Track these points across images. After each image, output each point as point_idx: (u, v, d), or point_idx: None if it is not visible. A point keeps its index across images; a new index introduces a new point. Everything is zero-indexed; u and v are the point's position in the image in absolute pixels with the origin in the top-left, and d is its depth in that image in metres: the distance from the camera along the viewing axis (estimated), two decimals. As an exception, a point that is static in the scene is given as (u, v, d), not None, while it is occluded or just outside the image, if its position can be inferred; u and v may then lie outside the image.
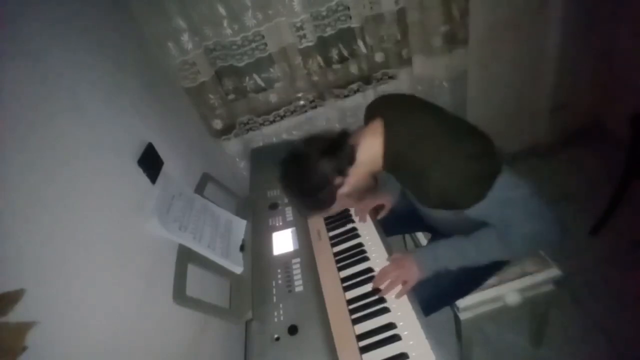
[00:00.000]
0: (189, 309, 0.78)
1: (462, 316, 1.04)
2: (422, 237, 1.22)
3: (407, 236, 1.41)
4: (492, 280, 1.02)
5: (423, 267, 0.88)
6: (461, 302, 1.01)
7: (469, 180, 0.74)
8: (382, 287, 0.88)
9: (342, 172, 0.84)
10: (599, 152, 1.81)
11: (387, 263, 0.93)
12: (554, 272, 1.01)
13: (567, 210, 1.60)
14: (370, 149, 0.86)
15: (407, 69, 1.49)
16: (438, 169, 0.75)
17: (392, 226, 1.16)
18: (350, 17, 1.33)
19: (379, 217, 1.10)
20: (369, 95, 1.50)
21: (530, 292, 1.02)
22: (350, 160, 0.84)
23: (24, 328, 0.45)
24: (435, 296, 0.93)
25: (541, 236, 0.77)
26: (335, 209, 0.92)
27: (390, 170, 0.89)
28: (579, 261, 1.41)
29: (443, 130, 0.80)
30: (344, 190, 0.86)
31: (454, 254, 0.87)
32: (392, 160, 0.85)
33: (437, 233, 1.08)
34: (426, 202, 0.86)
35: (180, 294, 0.77)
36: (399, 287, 0.87)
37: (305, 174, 0.84)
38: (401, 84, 1.53)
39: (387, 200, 1.13)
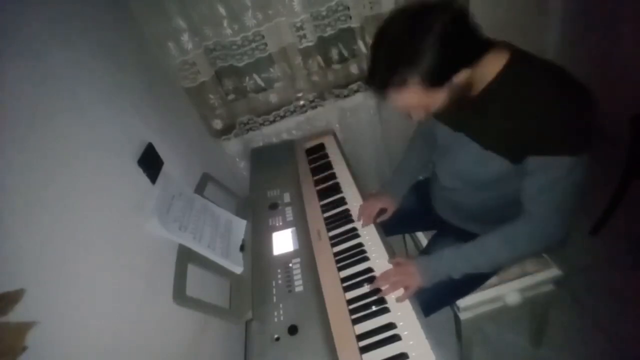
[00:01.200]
0: (189, 309, 0.78)
1: (462, 316, 1.04)
2: (422, 237, 1.22)
3: (407, 236, 1.41)
4: (492, 280, 1.02)
5: (426, 276, 0.87)
6: (461, 302, 1.01)
7: (587, 124, 0.70)
8: (382, 288, 0.88)
9: (453, 65, 0.68)
10: (599, 152, 1.80)
11: (387, 263, 0.93)
12: (554, 272, 1.01)
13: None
14: (486, 65, 0.73)
15: (407, 69, 1.49)
16: (557, 101, 0.69)
17: (393, 226, 1.16)
18: (351, 17, 1.33)
19: (379, 220, 1.10)
20: (369, 95, 1.50)
21: (531, 292, 1.03)
22: (472, 55, 0.69)
23: (24, 328, 0.45)
24: (435, 297, 0.93)
25: (549, 234, 0.78)
26: (399, 106, 0.76)
27: (485, 98, 0.77)
28: (578, 261, 1.41)
29: (568, 77, 0.72)
30: (432, 94, 0.71)
31: (459, 262, 0.86)
32: (507, 80, 0.74)
33: (444, 227, 1.07)
34: (514, 136, 0.75)
35: (180, 294, 0.77)
36: (400, 291, 0.86)
37: (418, 35, 0.65)
38: (401, 84, 1.53)
39: (390, 203, 1.13)
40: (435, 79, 0.68)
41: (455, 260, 0.87)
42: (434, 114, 0.80)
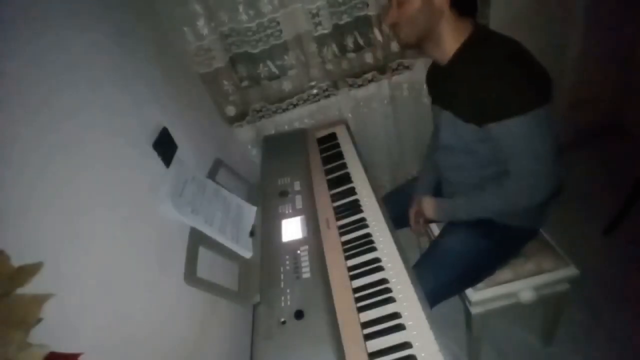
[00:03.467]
0: (199, 290, 0.80)
1: (474, 310, 1.04)
2: (434, 226, 1.22)
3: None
4: (506, 276, 1.01)
5: (438, 208, 1.05)
6: (473, 297, 1.02)
7: (531, 84, 0.79)
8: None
9: None
10: (615, 151, 1.76)
11: (394, 255, 0.94)
12: (571, 270, 1.00)
13: (581, 209, 1.57)
14: (454, 34, 0.88)
15: (424, 59, 1.46)
16: (502, 67, 0.80)
17: (403, 219, 1.16)
18: (367, 5, 1.31)
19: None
20: (383, 85, 1.49)
21: (545, 290, 1.02)
22: None
23: (40, 300, 0.46)
24: (442, 285, 0.94)
25: (540, 184, 0.85)
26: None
27: (452, 67, 0.90)
28: (591, 261, 1.39)
29: (516, 46, 0.85)
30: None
31: (466, 200, 0.99)
32: (467, 50, 0.87)
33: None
34: (473, 102, 0.85)
35: (191, 275, 0.79)
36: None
37: None
38: (417, 74, 1.51)
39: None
40: None
41: (463, 198, 0.99)
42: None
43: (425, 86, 1.52)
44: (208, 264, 0.87)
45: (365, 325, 0.81)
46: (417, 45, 0.93)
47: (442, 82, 0.98)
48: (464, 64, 0.87)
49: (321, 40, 1.33)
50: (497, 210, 0.94)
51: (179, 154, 0.93)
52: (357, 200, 1.11)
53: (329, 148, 1.34)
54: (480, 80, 0.82)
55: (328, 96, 1.51)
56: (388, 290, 0.86)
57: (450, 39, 0.88)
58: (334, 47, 1.37)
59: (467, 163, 0.97)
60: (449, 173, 1.07)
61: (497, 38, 0.87)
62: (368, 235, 1.01)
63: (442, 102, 0.98)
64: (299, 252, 0.94)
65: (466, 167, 0.99)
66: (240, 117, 1.45)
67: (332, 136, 1.39)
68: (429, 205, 1.08)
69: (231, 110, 1.42)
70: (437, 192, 1.15)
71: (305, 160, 1.25)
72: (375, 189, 1.13)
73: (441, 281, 0.93)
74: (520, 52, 0.83)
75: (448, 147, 1.00)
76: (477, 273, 1.01)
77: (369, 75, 1.47)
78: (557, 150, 0.82)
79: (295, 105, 1.50)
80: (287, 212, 1.07)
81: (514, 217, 0.97)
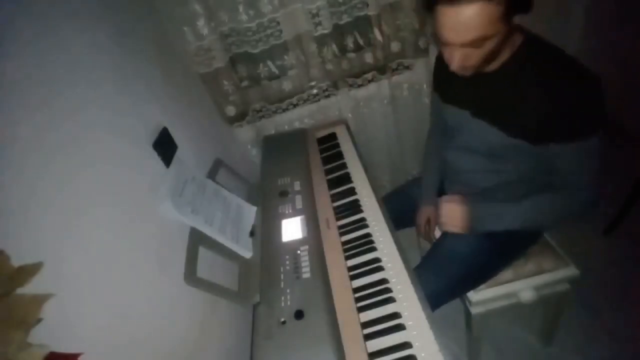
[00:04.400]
0: (199, 290, 0.80)
1: (474, 310, 1.04)
2: (435, 230, 1.21)
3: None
4: (507, 276, 1.01)
5: (470, 223, 0.92)
6: (474, 297, 1.01)
7: (599, 104, 0.75)
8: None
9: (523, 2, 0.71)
10: (615, 151, 1.76)
11: (394, 255, 0.93)
12: (571, 270, 0.99)
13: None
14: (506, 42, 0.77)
15: (424, 59, 1.47)
16: (574, 86, 0.74)
17: (403, 219, 1.16)
18: (367, 5, 1.31)
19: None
20: (383, 85, 1.49)
21: (546, 290, 1.02)
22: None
23: (40, 300, 0.46)
24: (443, 288, 0.94)
25: (585, 197, 0.84)
26: (466, 25, 0.70)
27: (500, 75, 0.82)
28: (591, 261, 1.39)
29: (578, 62, 0.77)
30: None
31: (506, 219, 0.90)
32: (522, 60, 0.79)
33: None
34: (528, 119, 0.79)
35: (191, 275, 0.79)
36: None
37: None
38: (417, 74, 1.51)
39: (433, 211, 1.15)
40: (515, 4, 0.70)
41: (502, 216, 0.90)
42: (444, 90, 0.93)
43: (425, 86, 1.53)
44: (208, 264, 0.87)
45: (365, 325, 0.81)
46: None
47: (471, 85, 0.86)
48: (518, 76, 0.79)
49: (321, 40, 1.33)
50: (550, 220, 0.93)
51: (179, 154, 0.93)
52: (357, 200, 1.11)
53: (329, 148, 1.34)
54: (541, 98, 0.76)
55: (328, 96, 1.51)
56: (388, 290, 0.86)
57: (505, 51, 0.79)
58: (334, 47, 1.37)
59: (487, 167, 0.94)
60: (463, 176, 1.02)
61: (550, 48, 0.79)
62: (368, 235, 1.01)
63: (468, 106, 0.91)
64: (299, 252, 0.94)
65: (485, 170, 0.95)
66: (240, 117, 1.45)
67: (332, 136, 1.39)
68: (457, 212, 0.93)
69: (231, 110, 1.42)
70: (439, 194, 1.14)
71: (305, 160, 1.25)
72: (375, 189, 1.13)
73: (443, 283, 0.93)
74: (581, 67, 0.75)
75: (468, 150, 0.95)
76: (480, 275, 1.00)
77: (369, 75, 1.47)
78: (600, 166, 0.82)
79: (295, 105, 1.50)
80: (287, 212, 1.07)
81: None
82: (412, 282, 0.86)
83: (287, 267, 0.91)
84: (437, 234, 1.17)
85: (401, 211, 1.16)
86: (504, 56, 0.80)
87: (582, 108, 0.74)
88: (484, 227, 0.92)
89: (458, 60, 0.76)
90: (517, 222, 0.89)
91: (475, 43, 0.72)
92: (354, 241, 1.01)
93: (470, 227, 0.92)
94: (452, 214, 0.93)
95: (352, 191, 1.15)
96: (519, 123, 0.81)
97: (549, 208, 0.88)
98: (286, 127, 1.54)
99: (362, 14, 1.33)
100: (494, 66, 0.81)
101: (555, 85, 0.75)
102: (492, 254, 0.98)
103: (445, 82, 1.00)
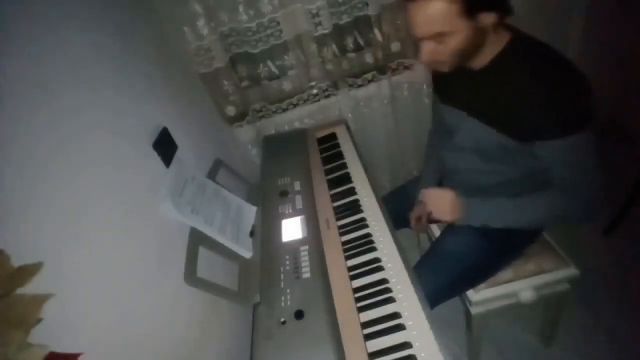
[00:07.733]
0: (199, 290, 0.80)
1: (474, 310, 1.04)
2: (435, 228, 1.21)
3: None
4: (506, 276, 1.01)
5: (462, 214, 0.91)
6: (474, 297, 1.01)
7: (584, 100, 0.75)
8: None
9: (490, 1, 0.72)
10: (616, 150, 1.76)
11: (394, 255, 0.93)
12: (571, 270, 1.00)
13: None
14: (492, 40, 0.79)
15: (423, 59, 1.46)
16: (560, 83, 0.74)
17: (403, 219, 1.16)
18: (367, 5, 1.31)
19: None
20: (383, 85, 1.49)
21: (545, 290, 1.02)
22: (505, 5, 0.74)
23: (40, 300, 0.46)
24: (441, 287, 0.94)
25: (585, 197, 0.82)
26: (421, 21, 0.74)
27: (486, 73, 0.83)
28: (591, 262, 1.39)
29: (566, 59, 0.77)
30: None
31: (499, 215, 0.90)
32: (509, 57, 0.79)
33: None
34: (517, 118, 0.79)
35: (191, 275, 0.79)
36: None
37: None
38: (417, 74, 1.51)
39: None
40: (473, 3, 0.70)
41: (495, 212, 0.90)
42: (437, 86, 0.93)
43: (425, 86, 1.53)
44: (208, 264, 0.87)
45: (365, 325, 0.81)
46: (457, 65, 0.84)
47: (465, 85, 0.89)
48: (504, 73, 0.80)
49: (321, 40, 1.33)
50: (548, 219, 0.91)
51: (179, 154, 0.93)
52: (357, 200, 1.11)
53: (329, 148, 1.34)
54: (526, 96, 0.76)
55: (328, 96, 1.51)
56: (388, 290, 0.86)
57: (490, 48, 0.80)
58: (334, 47, 1.37)
59: (484, 167, 0.94)
60: (461, 176, 1.03)
61: (538, 45, 0.80)
62: (368, 235, 1.01)
63: (463, 106, 0.92)
64: (299, 252, 0.94)
65: (482, 170, 0.95)
66: (240, 117, 1.45)
67: (332, 136, 1.39)
68: (444, 198, 0.94)
69: (231, 110, 1.42)
70: None
71: (305, 160, 1.25)
72: (375, 189, 1.13)
73: (442, 282, 0.93)
74: (568, 64, 0.76)
75: (465, 150, 0.96)
76: (478, 274, 1.00)
77: (369, 75, 1.47)
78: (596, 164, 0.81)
79: (295, 105, 1.50)
80: (287, 212, 1.07)
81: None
82: (412, 282, 0.86)
83: (287, 267, 0.91)
84: (437, 233, 1.18)
85: (401, 211, 1.16)
86: (490, 54, 0.81)
87: (565, 105, 0.74)
88: (477, 218, 0.91)
89: (425, 54, 0.80)
90: (512, 217, 0.89)
91: (436, 38, 0.75)
92: (354, 241, 1.01)
93: (462, 218, 0.92)
94: (439, 201, 0.95)
95: (352, 191, 1.15)
96: (506, 120, 0.82)
97: (545, 206, 0.87)
98: (286, 127, 1.54)
99: (362, 14, 1.33)
100: (479, 63, 0.83)
101: (538, 82, 0.75)
102: (490, 252, 0.99)
103: (443, 82, 1.01)
